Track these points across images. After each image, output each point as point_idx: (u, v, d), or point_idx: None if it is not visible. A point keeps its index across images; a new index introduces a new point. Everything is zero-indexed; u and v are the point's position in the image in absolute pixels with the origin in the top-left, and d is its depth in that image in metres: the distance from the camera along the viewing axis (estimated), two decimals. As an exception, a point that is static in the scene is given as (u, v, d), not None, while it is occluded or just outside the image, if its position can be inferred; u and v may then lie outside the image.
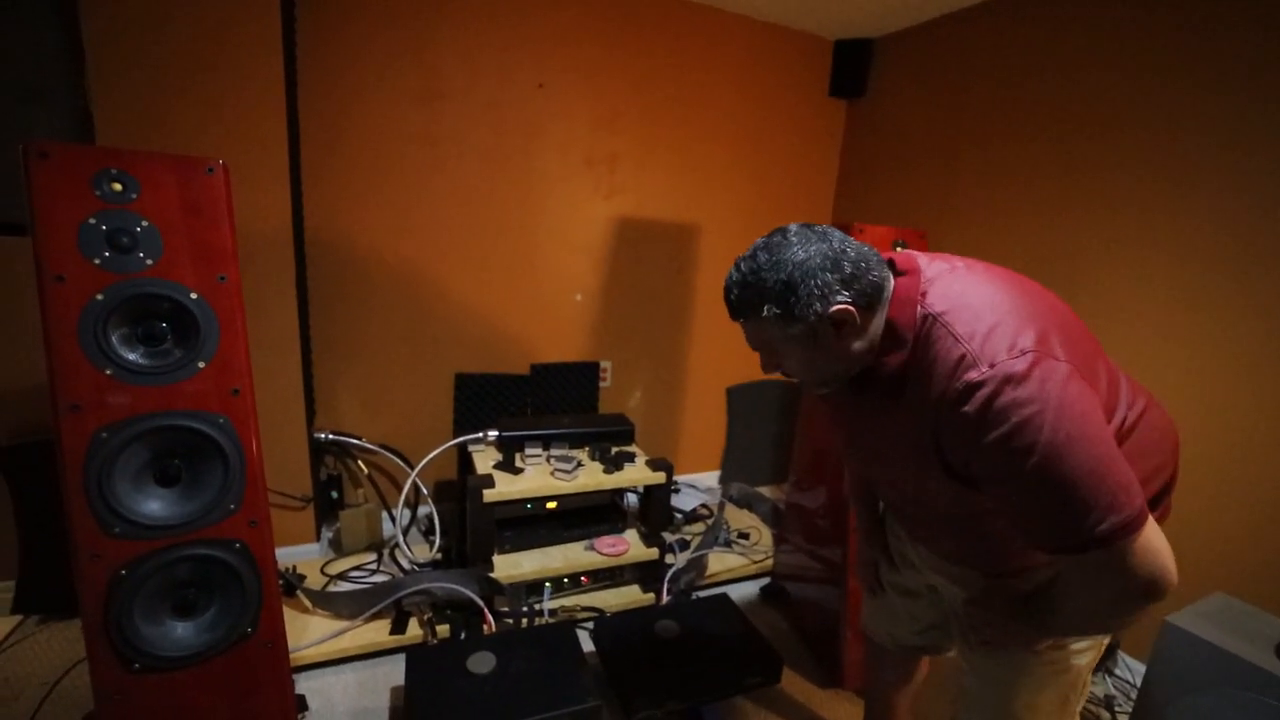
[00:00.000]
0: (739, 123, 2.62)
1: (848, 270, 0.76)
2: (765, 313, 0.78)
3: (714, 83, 2.53)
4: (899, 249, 1.29)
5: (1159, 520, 0.90)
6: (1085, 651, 0.94)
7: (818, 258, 0.76)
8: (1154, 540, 0.70)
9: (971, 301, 0.77)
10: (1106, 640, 0.97)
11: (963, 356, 0.72)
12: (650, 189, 2.53)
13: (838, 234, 0.80)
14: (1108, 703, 1.68)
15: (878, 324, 0.81)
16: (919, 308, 0.78)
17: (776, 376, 0.93)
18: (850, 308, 0.77)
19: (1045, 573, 0.89)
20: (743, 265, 0.81)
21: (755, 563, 2.23)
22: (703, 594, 2.06)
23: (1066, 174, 1.94)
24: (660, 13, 2.38)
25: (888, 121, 2.65)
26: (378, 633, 1.73)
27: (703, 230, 2.68)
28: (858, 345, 0.81)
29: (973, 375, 0.70)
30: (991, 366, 0.70)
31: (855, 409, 0.93)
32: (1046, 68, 2.01)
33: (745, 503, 2.67)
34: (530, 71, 2.23)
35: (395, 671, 1.66)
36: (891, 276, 0.82)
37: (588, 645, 1.72)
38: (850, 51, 2.69)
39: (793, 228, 0.81)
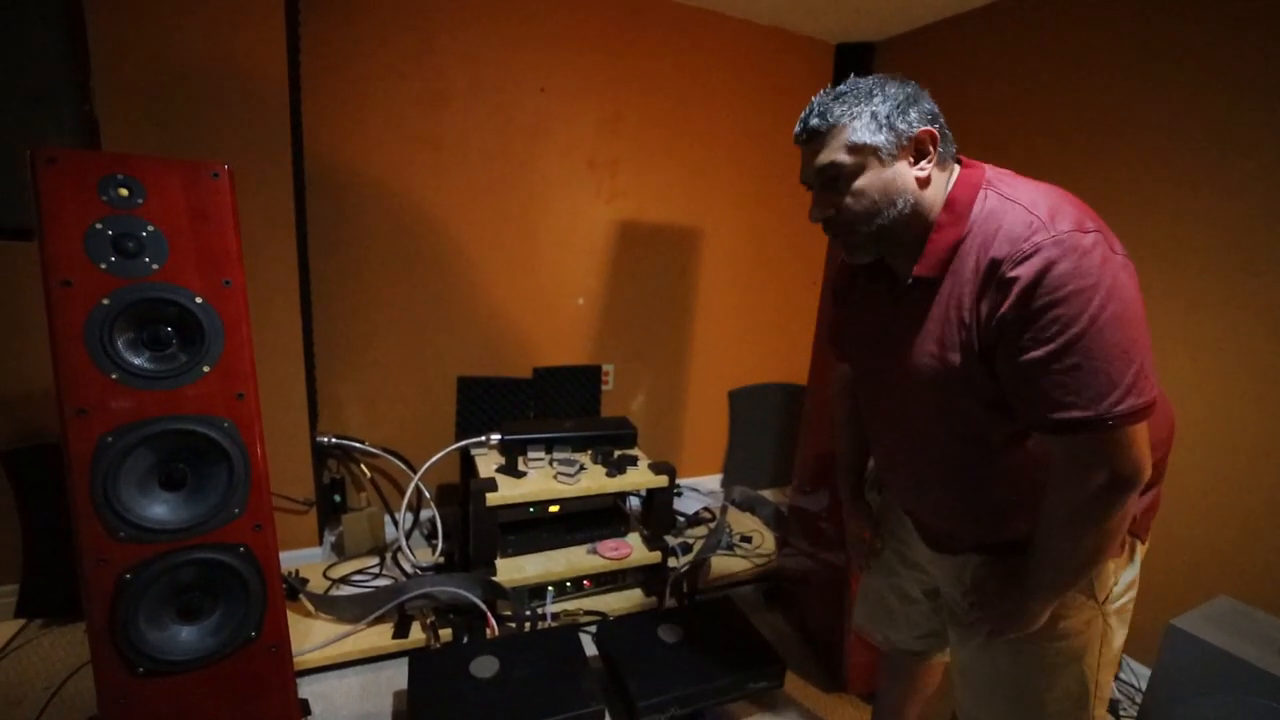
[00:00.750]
0: (741, 126, 2.63)
1: (933, 111, 0.82)
2: (858, 118, 0.80)
3: (716, 86, 2.54)
4: None
5: (1154, 508, 0.93)
6: (1086, 635, 0.90)
7: (912, 91, 0.82)
8: (1146, 432, 0.75)
9: (1038, 189, 0.79)
10: (1115, 637, 0.93)
11: (1030, 222, 0.73)
12: (652, 192, 2.54)
13: (927, 94, 0.84)
14: (1112, 707, 1.68)
15: (938, 190, 0.83)
16: (983, 189, 0.80)
17: (815, 234, 0.91)
18: (935, 134, 0.81)
19: None
20: (830, 87, 0.85)
21: (758, 566, 2.23)
22: (705, 598, 2.06)
23: (1066, 176, 1.94)
24: (662, 16, 2.39)
25: None
26: (380, 636, 1.73)
27: (705, 234, 2.69)
28: (925, 189, 0.82)
29: (1040, 238, 0.71)
30: (1060, 233, 0.71)
31: (879, 310, 0.93)
32: (1046, 71, 2.01)
33: (747, 506, 2.67)
34: (533, 75, 2.24)
35: (398, 675, 1.66)
36: (955, 165, 0.86)
37: (590, 649, 1.72)
38: (852, 55, 2.70)
39: (898, 76, 0.84)
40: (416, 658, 1.49)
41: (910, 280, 0.85)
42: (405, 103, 2.09)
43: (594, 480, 1.91)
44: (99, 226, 1.01)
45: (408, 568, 2.06)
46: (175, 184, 1.07)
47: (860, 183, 0.82)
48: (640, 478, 1.96)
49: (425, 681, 1.41)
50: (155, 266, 1.06)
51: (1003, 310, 0.74)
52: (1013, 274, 0.72)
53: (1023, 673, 0.94)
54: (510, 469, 1.92)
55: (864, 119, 0.80)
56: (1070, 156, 1.94)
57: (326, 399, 2.19)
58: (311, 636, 1.70)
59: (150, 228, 1.05)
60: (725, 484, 2.96)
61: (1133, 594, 0.94)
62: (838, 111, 0.81)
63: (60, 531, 1.46)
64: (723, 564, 2.21)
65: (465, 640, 1.73)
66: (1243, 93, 1.56)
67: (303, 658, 1.61)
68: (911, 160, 0.81)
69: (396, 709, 1.59)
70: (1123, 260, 0.73)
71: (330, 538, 2.22)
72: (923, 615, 1.16)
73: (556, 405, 2.54)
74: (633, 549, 1.97)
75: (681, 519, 2.49)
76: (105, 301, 1.02)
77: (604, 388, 2.62)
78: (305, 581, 1.88)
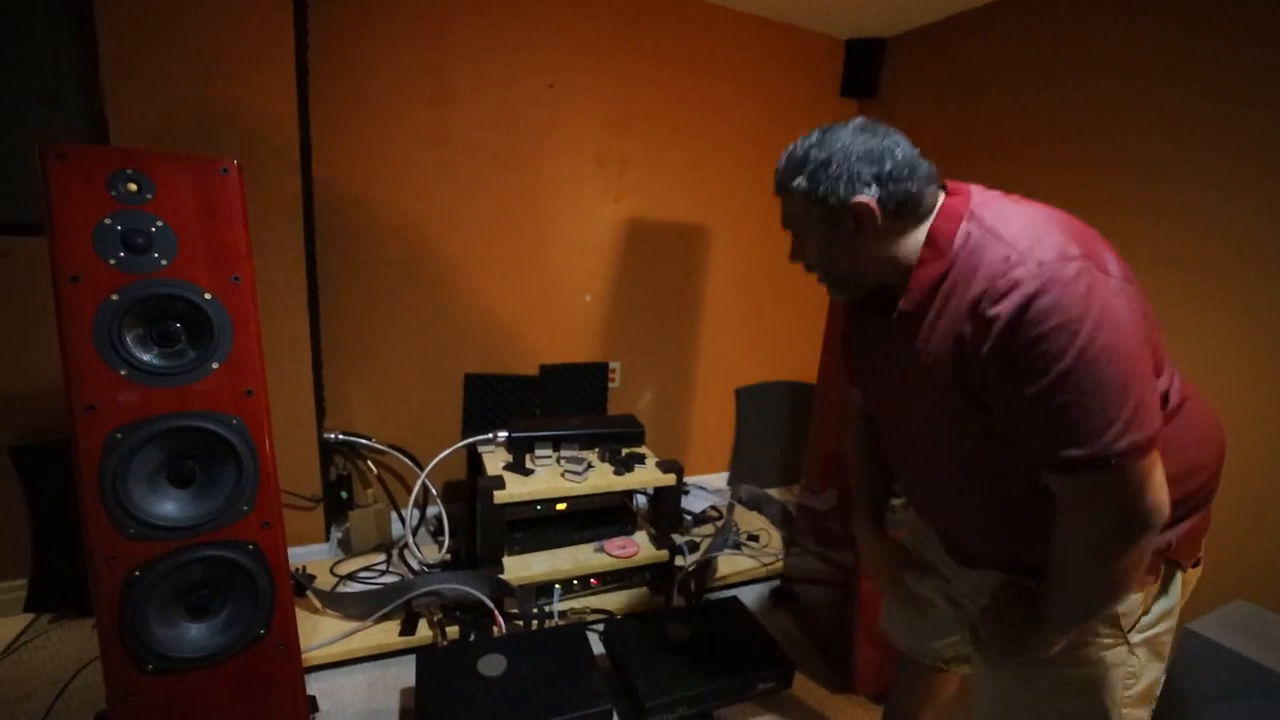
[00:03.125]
0: (750, 123, 2.61)
1: (887, 169, 0.78)
2: (795, 185, 0.82)
3: (725, 83, 2.52)
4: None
5: (1198, 533, 0.87)
6: (1104, 666, 0.85)
7: (861, 149, 0.78)
8: (1159, 469, 0.70)
9: (1022, 216, 0.75)
10: (1146, 672, 0.87)
11: (1008, 257, 0.70)
12: (660, 190, 2.52)
13: (897, 137, 0.81)
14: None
15: (911, 239, 0.81)
16: (965, 221, 0.77)
17: (809, 279, 0.93)
18: (872, 204, 0.78)
19: None
20: (798, 141, 0.84)
21: (765, 565, 2.22)
22: (713, 597, 2.05)
23: (1078, 175, 1.92)
24: (670, 12, 2.37)
25: (899, 122, 2.55)
26: (387, 634, 1.72)
27: (712, 232, 2.67)
28: (877, 250, 0.82)
29: (1019, 273, 0.69)
30: (1039, 266, 0.68)
31: (877, 340, 0.92)
32: (1060, 67, 1.98)
33: (755, 505, 2.66)
34: (541, 72, 2.22)
35: (405, 673, 1.66)
36: (940, 194, 0.83)
37: (598, 648, 1.72)
38: (862, 51, 2.67)
39: (858, 120, 0.83)
40: (424, 655, 1.49)
41: (896, 315, 0.83)
42: (413, 99, 2.08)
43: (601, 478, 1.90)
44: (108, 222, 1.01)
45: (414, 565, 2.05)
46: (184, 180, 1.06)
47: (811, 245, 0.87)
48: (648, 476, 1.96)
49: (433, 679, 1.41)
50: (164, 262, 1.05)
51: (985, 351, 0.71)
52: (992, 312, 0.70)
53: (1029, 698, 0.90)
54: (518, 466, 1.91)
55: (803, 192, 0.82)
56: (1083, 154, 1.91)
57: (333, 396, 2.19)
58: (319, 633, 1.70)
59: (159, 223, 1.05)
60: (732, 482, 2.95)
61: (1170, 624, 0.87)
62: (790, 181, 0.83)
63: (70, 527, 1.46)
64: (730, 563, 2.20)
65: (472, 638, 1.72)
66: (1261, 92, 1.54)
67: (310, 654, 1.61)
68: (853, 228, 0.81)
69: (404, 707, 1.58)
70: (1118, 284, 0.70)
71: (337, 534, 2.22)
72: (946, 622, 1.11)
73: (563, 403, 2.53)
74: (640, 547, 1.97)
75: (689, 517, 2.48)
76: (114, 297, 1.01)
77: (611, 385, 2.61)
78: (312, 578, 1.88)
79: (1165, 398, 0.80)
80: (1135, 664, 0.85)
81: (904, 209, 0.79)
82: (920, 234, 0.81)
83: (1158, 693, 0.90)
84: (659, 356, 2.70)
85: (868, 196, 0.78)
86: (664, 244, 2.58)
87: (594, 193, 2.41)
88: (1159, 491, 0.70)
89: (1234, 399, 1.59)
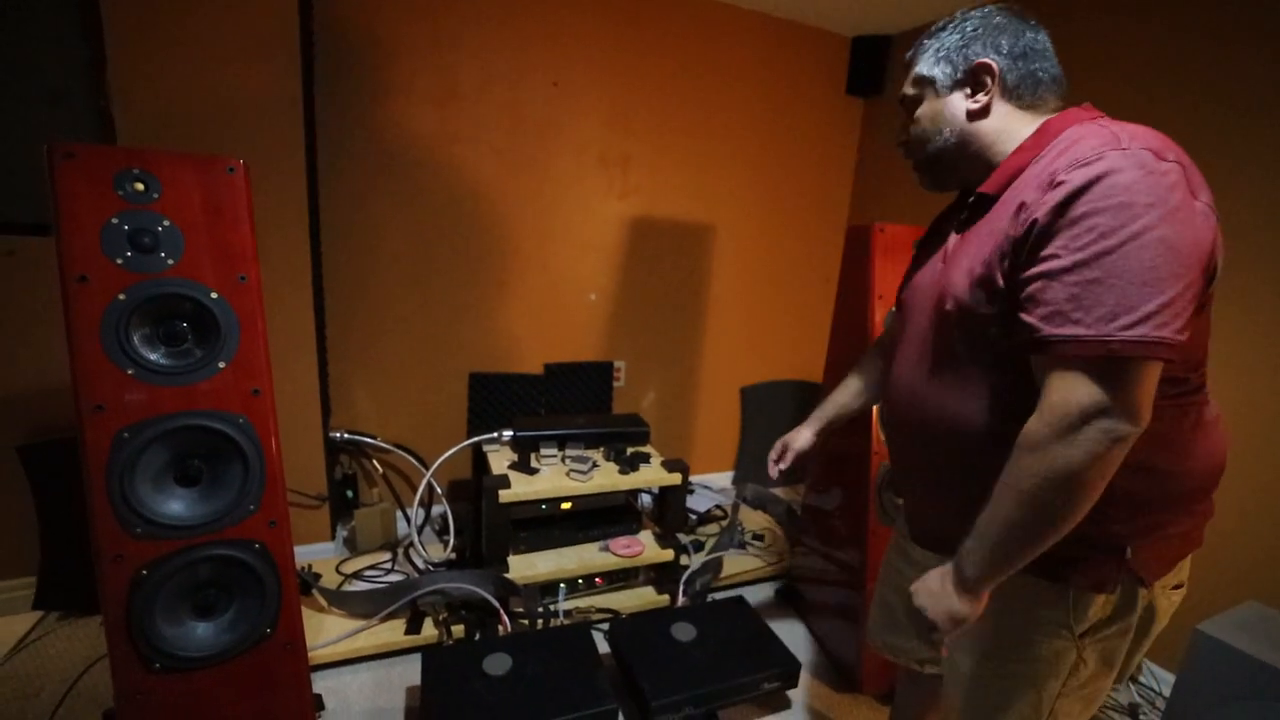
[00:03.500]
0: (754, 121, 2.60)
1: (1020, 45, 0.81)
2: (926, 51, 0.86)
3: (729, 81, 2.51)
4: None
5: (1170, 551, 0.82)
6: (1054, 665, 0.82)
7: (1003, 21, 0.82)
8: (1152, 380, 0.65)
9: (1146, 128, 0.71)
10: (1085, 669, 0.83)
11: (1107, 139, 0.67)
12: (664, 188, 2.52)
13: (1044, 34, 0.83)
14: (1132, 710, 1.65)
15: (1016, 126, 0.81)
16: (1081, 124, 0.75)
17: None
18: (994, 65, 0.80)
19: None
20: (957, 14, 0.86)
21: (770, 565, 2.22)
22: (718, 596, 2.05)
23: None
24: (675, 10, 2.36)
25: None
26: (393, 633, 1.73)
27: (717, 230, 2.66)
28: (983, 125, 0.82)
29: (1108, 151, 0.65)
30: (1132, 151, 0.65)
31: (936, 242, 0.93)
32: (1065, 64, 1.97)
33: (760, 504, 2.64)
34: (545, 70, 2.22)
35: (410, 671, 1.66)
36: (1062, 106, 0.83)
37: (603, 647, 1.72)
38: (868, 48, 2.66)
39: (1015, 7, 0.84)
40: (429, 654, 1.49)
41: (972, 198, 0.83)
42: (418, 98, 2.08)
43: (607, 478, 1.90)
44: (115, 221, 1.01)
45: (420, 563, 2.06)
46: (191, 179, 1.07)
47: (919, 111, 0.88)
48: (653, 475, 1.95)
49: (438, 678, 1.41)
50: (171, 262, 1.05)
51: (1039, 217, 0.67)
52: (1064, 177, 0.66)
53: (980, 688, 0.89)
54: (523, 465, 1.91)
55: (929, 52, 0.86)
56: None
57: (339, 394, 2.20)
58: (324, 631, 1.70)
59: (166, 222, 1.05)
60: (737, 481, 2.94)
61: (1123, 640, 0.83)
62: (920, 44, 0.88)
63: (77, 525, 1.47)
64: (735, 562, 2.20)
65: (478, 637, 1.72)
66: (1244, 100, 1.54)
67: (316, 653, 1.61)
68: (968, 92, 0.83)
69: (409, 705, 1.59)
70: (1203, 208, 0.66)
71: (343, 533, 2.23)
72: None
73: (568, 401, 2.53)
74: (645, 547, 1.96)
75: (693, 516, 2.48)
76: (121, 297, 1.02)
77: (615, 384, 2.61)
78: (318, 577, 1.89)
79: (1195, 390, 0.79)
80: (1080, 665, 0.83)
81: (1022, 88, 0.81)
82: (1027, 129, 0.80)
83: (1099, 700, 0.89)
84: (664, 355, 2.69)
85: (994, 58, 0.80)
86: (668, 242, 2.58)
87: (598, 191, 2.41)
88: (1147, 402, 0.65)
89: (1240, 399, 1.58)
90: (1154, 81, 1.75)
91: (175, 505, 1.08)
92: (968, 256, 0.78)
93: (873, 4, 2.35)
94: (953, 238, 0.87)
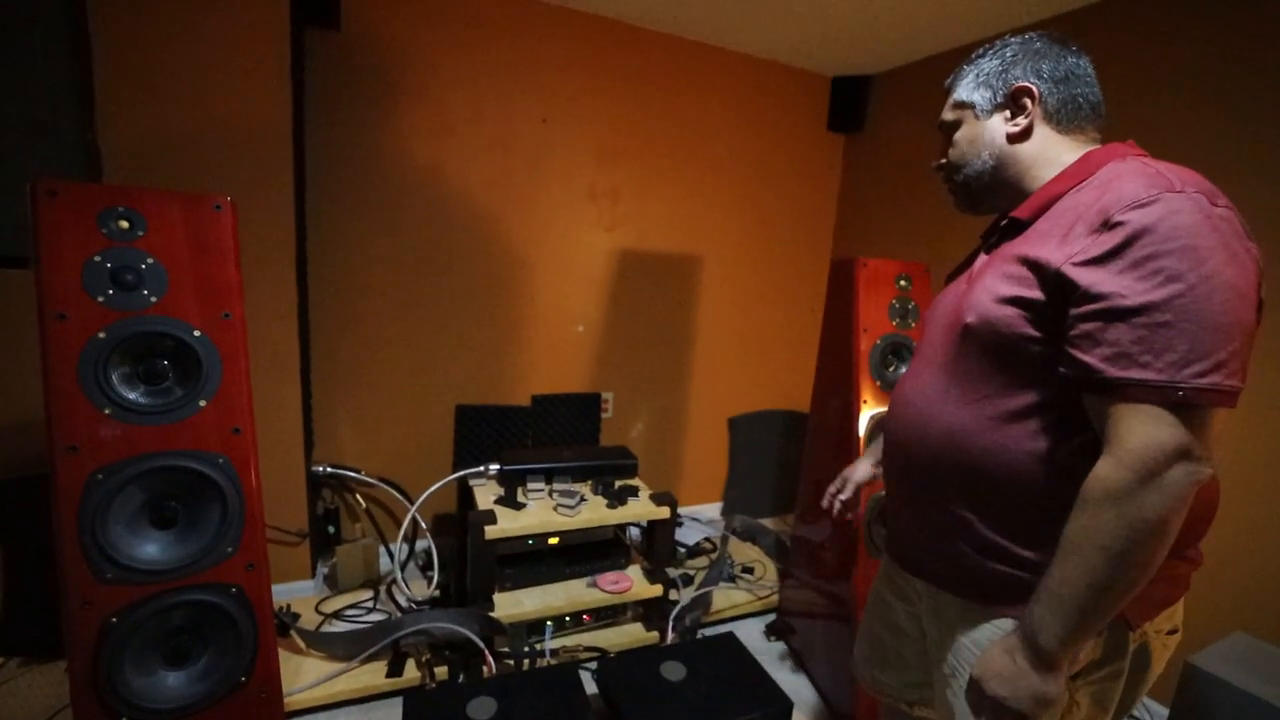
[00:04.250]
0: (739, 156, 2.66)
1: (1059, 71, 0.81)
2: (966, 76, 0.87)
3: (715, 117, 2.57)
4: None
5: (1156, 594, 0.80)
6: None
7: (1043, 47, 0.82)
8: (1218, 425, 0.64)
9: (1184, 169, 0.71)
10: (1079, 714, 0.80)
11: (1158, 181, 0.66)
12: (652, 221, 2.55)
13: (1085, 60, 0.83)
14: (1128, 747, 1.63)
15: (1055, 152, 0.82)
16: (1123, 159, 0.75)
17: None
18: (1034, 89, 0.81)
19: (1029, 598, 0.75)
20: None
21: (760, 599, 2.19)
22: (708, 632, 2.01)
23: None
24: (661, 49, 2.43)
25: (886, 155, 2.68)
26: (374, 675, 1.67)
27: (704, 262, 2.69)
28: (1022, 149, 0.83)
29: (1167, 194, 0.65)
30: (1188, 194, 0.65)
31: (966, 266, 0.94)
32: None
33: (749, 536, 2.63)
34: (535, 106, 2.26)
35: (391, 716, 1.60)
36: (1098, 137, 0.84)
37: (590, 687, 1.67)
38: (848, 87, 2.74)
39: (1056, 34, 0.85)
40: (411, 698, 1.43)
41: (1005, 222, 0.84)
42: (407, 133, 2.11)
43: (594, 512, 1.88)
44: (97, 259, 1.00)
45: (402, 601, 2.00)
46: (177, 216, 1.06)
47: (957, 135, 0.89)
48: (641, 509, 1.93)
49: (420, 725, 1.35)
50: (153, 299, 1.04)
51: (1093, 254, 0.66)
52: (1122, 218, 0.65)
53: None
54: (509, 500, 1.88)
55: (969, 77, 0.87)
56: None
57: (322, 427, 2.16)
58: (302, 675, 1.64)
59: (150, 260, 1.04)
60: (725, 513, 2.92)
61: (1116, 684, 0.81)
62: (958, 72, 0.89)
63: (44, 566, 1.42)
64: (725, 596, 2.17)
65: (462, 679, 1.67)
66: (1234, 112, 1.60)
67: (292, 698, 1.55)
68: (1008, 115, 0.84)
69: (389, 753, 1.53)
70: (1249, 249, 0.66)
71: (323, 570, 2.17)
72: (913, 655, 1.04)
73: (555, 433, 2.51)
74: (633, 582, 1.93)
75: (682, 549, 2.45)
76: (101, 335, 1.00)
77: (603, 415, 2.60)
78: (296, 617, 1.83)
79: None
80: (1075, 709, 0.80)
81: (1063, 112, 0.81)
82: (1069, 155, 0.81)
83: None
84: (652, 386, 2.69)
85: (1035, 82, 0.81)
86: (656, 274, 2.60)
87: (587, 223, 2.43)
88: (1213, 446, 0.64)
89: (1238, 431, 1.60)
90: (1145, 97, 1.82)
91: (149, 548, 1.04)
92: (994, 275, 0.79)
93: (850, 47, 2.44)
94: (981, 258, 0.88)
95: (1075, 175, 0.77)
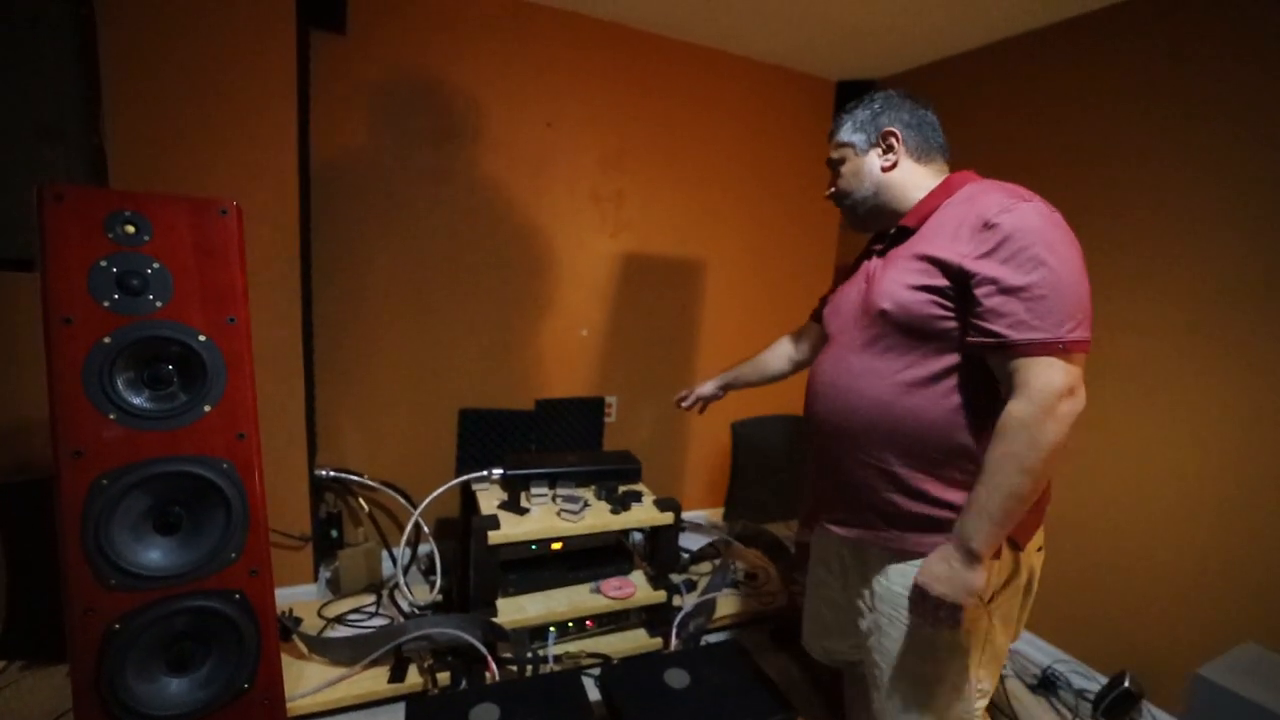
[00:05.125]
0: (743, 161, 2.65)
1: (914, 119, 1.07)
2: (846, 123, 1.11)
3: (719, 122, 2.57)
4: None
5: (1031, 521, 1.01)
6: (973, 632, 0.99)
7: (899, 100, 1.08)
8: (1082, 367, 0.88)
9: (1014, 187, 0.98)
10: (996, 635, 1.01)
11: (1013, 194, 0.93)
12: (656, 225, 2.55)
13: (930, 111, 1.09)
14: (1136, 757, 1.62)
15: (922, 178, 1.06)
16: (972, 183, 1.01)
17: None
18: (899, 132, 1.05)
19: (939, 538, 0.96)
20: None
21: (764, 604, 2.18)
22: (712, 638, 2.00)
23: (1060, 209, 1.95)
24: (666, 54, 2.43)
25: None
26: (376, 681, 1.66)
27: (708, 266, 2.69)
28: (895, 176, 1.06)
29: (1020, 203, 0.90)
30: (1036, 204, 0.92)
31: (866, 265, 1.12)
32: (1044, 107, 2.04)
33: (752, 541, 2.61)
34: (539, 111, 2.26)
35: (393, 723, 1.59)
36: (947, 167, 1.10)
37: (594, 694, 1.66)
38: (852, 92, 2.73)
39: (907, 92, 1.11)
40: (413, 704, 1.42)
41: (895, 230, 1.05)
42: (412, 138, 2.11)
43: (598, 518, 1.87)
44: (104, 264, 1.00)
45: (405, 606, 2.00)
46: (183, 221, 1.06)
47: (843, 169, 1.12)
48: (645, 515, 1.92)
49: (423, 732, 1.35)
50: (159, 304, 1.04)
51: (982, 249, 0.89)
52: (996, 220, 0.89)
53: (911, 667, 1.02)
54: (513, 505, 1.87)
55: (847, 123, 1.11)
56: (1065, 188, 1.94)
57: (326, 431, 2.16)
58: (304, 680, 1.63)
59: (156, 265, 1.04)
60: (729, 518, 2.90)
61: (1015, 599, 1.03)
62: (839, 119, 1.13)
63: (47, 571, 1.41)
64: (728, 602, 2.16)
65: (464, 685, 1.66)
66: (1221, 124, 1.61)
67: (294, 704, 1.54)
68: (881, 151, 1.07)
69: (391, 760, 1.52)
70: (1076, 240, 0.92)
71: (326, 574, 2.16)
72: (852, 622, 1.18)
73: (559, 438, 2.50)
74: (637, 588, 1.92)
75: (685, 555, 2.44)
76: (106, 340, 1.00)
77: (607, 420, 2.59)
78: (299, 621, 1.82)
79: None
80: (991, 630, 1.01)
81: (920, 150, 1.06)
82: (930, 181, 1.06)
83: (1004, 658, 1.08)
84: (655, 391, 2.69)
85: (898, 127, 1.05)
86: (660, 278, 2.59)
87: (590, 227, 2.43)
88: (1081, 388, 0.87)
89: (1244, 437, 1.59)
90: (1137, 108, 1.82)
91: (153, 554, 1.04)
92: (898, 270, 0.99)
93: (856, 54, 2.44)
94: (875, 262, 1.09)
95: (942, 194, 1.02)
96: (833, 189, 1.16)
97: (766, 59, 2.58)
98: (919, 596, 0.95)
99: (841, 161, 1.12)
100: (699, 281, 2.69)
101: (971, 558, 0.90)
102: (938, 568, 0.93)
